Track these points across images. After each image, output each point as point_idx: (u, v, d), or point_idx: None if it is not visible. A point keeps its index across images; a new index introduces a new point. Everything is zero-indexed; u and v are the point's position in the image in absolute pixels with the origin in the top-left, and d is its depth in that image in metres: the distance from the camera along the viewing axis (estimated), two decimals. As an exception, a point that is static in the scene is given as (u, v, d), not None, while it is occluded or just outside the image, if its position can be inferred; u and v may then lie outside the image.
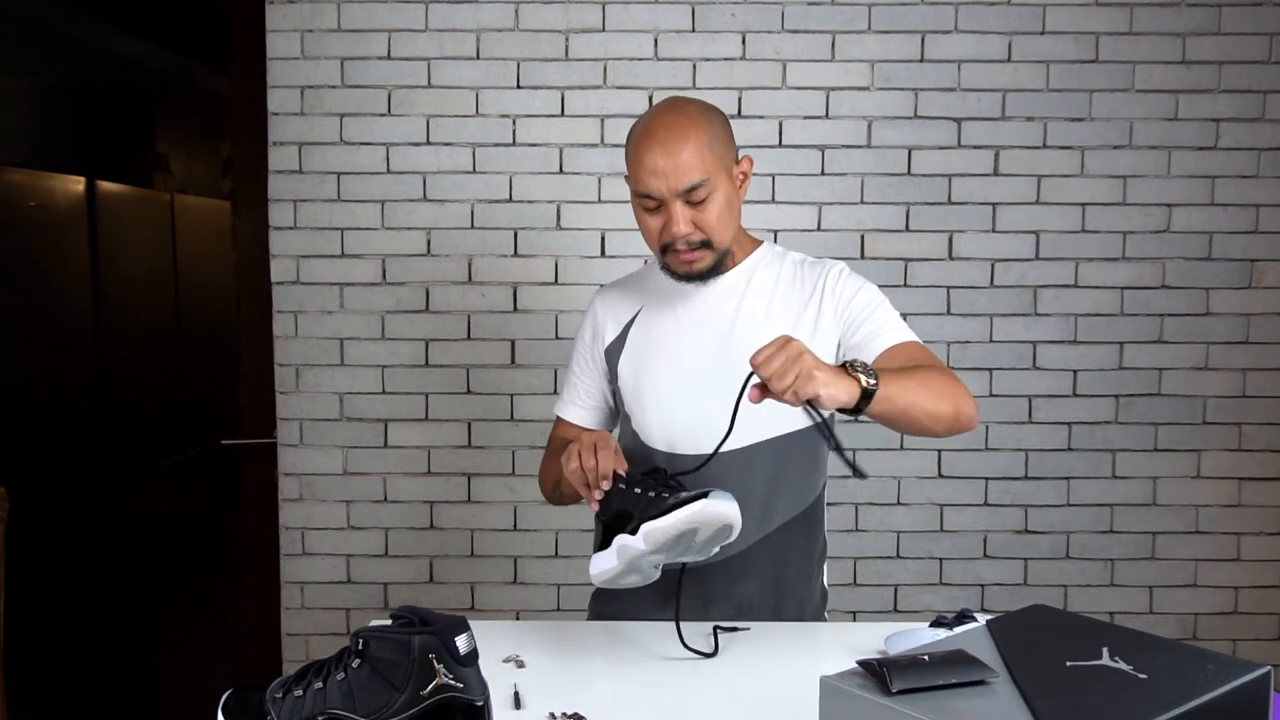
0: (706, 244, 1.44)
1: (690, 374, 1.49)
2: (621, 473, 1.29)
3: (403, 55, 2.36)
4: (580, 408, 1.63)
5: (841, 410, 1.23)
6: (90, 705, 3.15)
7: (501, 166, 2.38)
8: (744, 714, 1.16)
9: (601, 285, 1.67)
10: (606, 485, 1.27)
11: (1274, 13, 2.36)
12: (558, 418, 1.67)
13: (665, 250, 1.45)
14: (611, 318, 1.59)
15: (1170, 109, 2.38)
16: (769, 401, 1.45)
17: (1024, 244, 2.40)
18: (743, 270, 1.53)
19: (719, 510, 1.21)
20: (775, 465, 1.48)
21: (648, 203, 1.43)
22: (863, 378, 1.22)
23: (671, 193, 1.40)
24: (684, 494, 1.24)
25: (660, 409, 1.50)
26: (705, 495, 1.22)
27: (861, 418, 1.27)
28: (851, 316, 1.48)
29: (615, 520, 1.26)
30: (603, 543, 1.28)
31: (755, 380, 1.21)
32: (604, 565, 1.26)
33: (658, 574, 1.31)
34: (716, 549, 1.28)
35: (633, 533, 1.22)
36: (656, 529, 1.21)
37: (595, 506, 1.29)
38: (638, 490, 1.27)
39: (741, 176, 1.48)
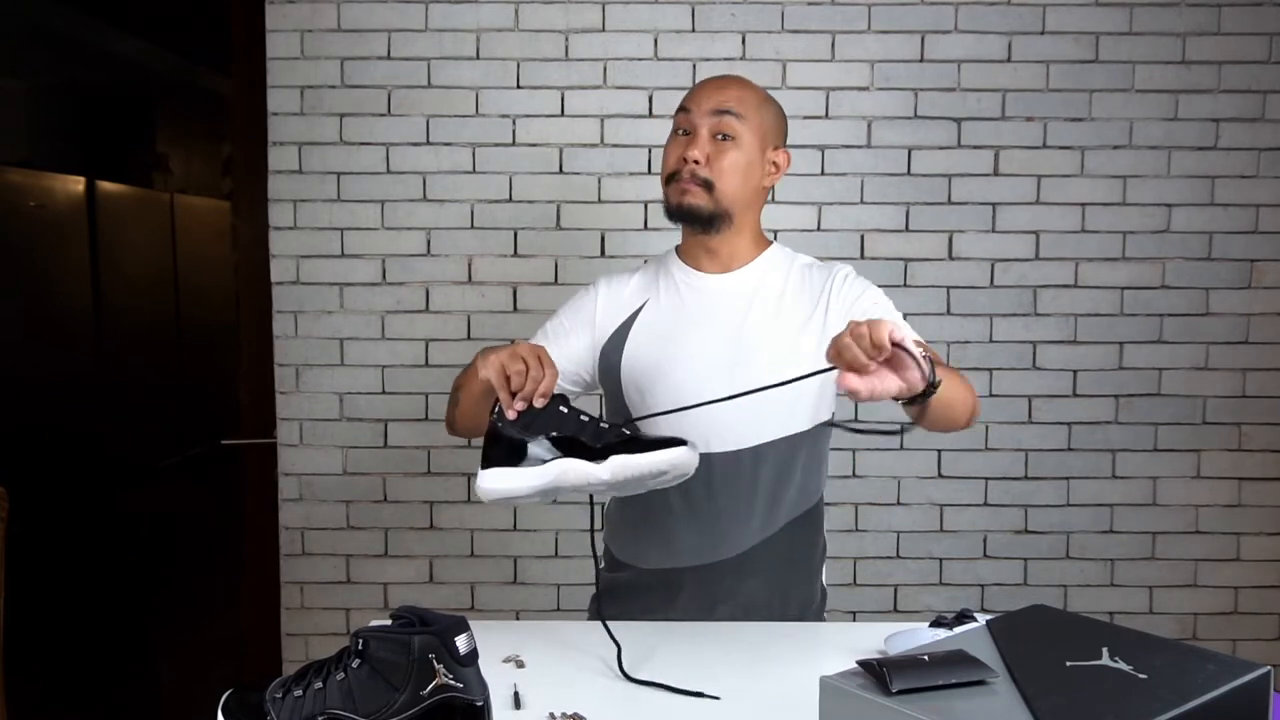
0: (708, 184, 1.46)
1: (699, 372, 1.48)
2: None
3: (403, 55, 2.36)
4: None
5: (905, 401, 1.17)
6: (90, 705, 3.15)
7: (501, 166, 2.38)
8: (744, 714, 1.16)
9: (604, 275, 1.65)
10: (542, 403, 1.23)
11: (1274, 13, 2.36)
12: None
13: (671, 180, 1.49)
14: (616, 307, 1.57)
15: (1170, 109, 2.38)
16: (780, 402, 1.45)
17: (1024, 244, 2.40)
18: (753, 270, 1.53)
19: (693, 460, 1.25)
20: (783, 465, 1.48)
21: (682, 122, 1.50)
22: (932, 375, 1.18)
23: (705, 110, 1.47)
24: (655, 436, 1.25)
25: (669, 405, 1.48)
26: (685, 443, 1.24)
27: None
28: (856, 316, 1.48)
29: (549, 443, 1.23)
30: (509, 458, 1.23)
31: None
32: (526, 482, 1.22)
33: (552, 500, 1.30)
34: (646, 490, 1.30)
35: (594, 460, 1.22)
36: (630, 463, 1.21)
37: (513, 415, 1.23)
38: (584, 418, 1.25)
39: (773, 166, 1.52)
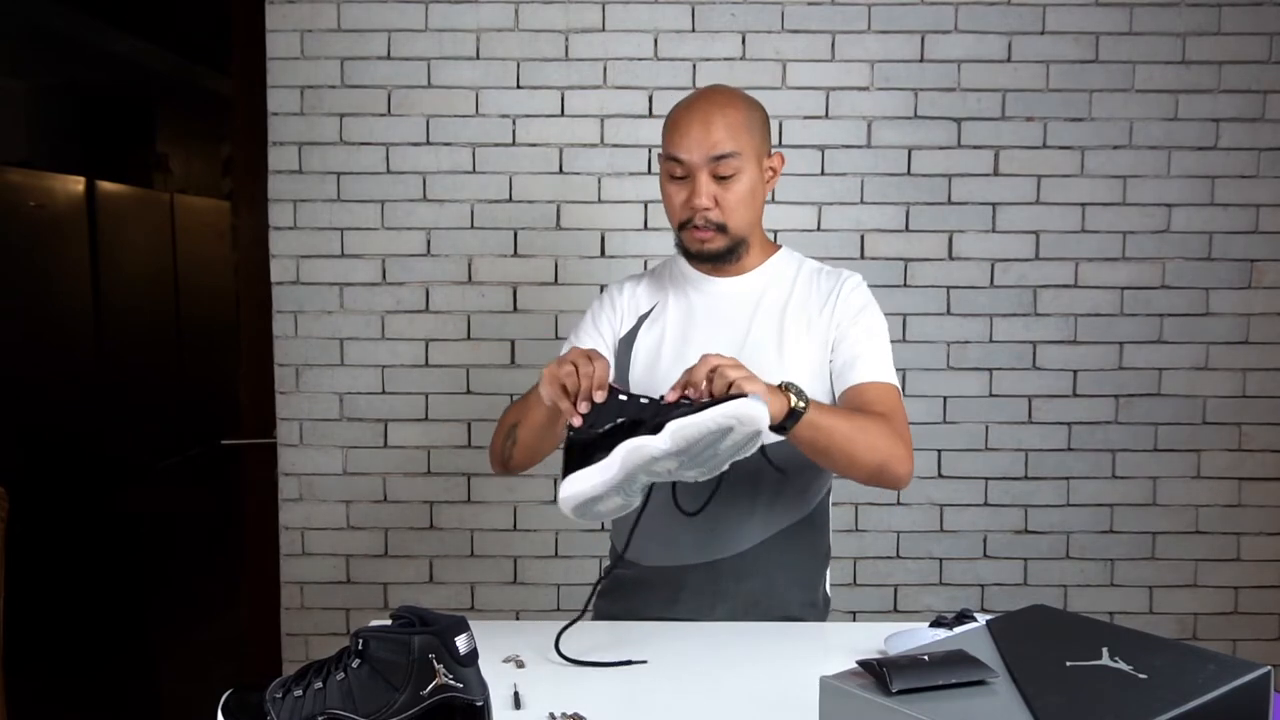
0: (722, 228, 1.46)
1: None
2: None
3: (403, 55, 2.36)
4: None
5: (773, 429, 1.26)
6: (90, 705, 3.15)
7: (501, 166, 2.38)
8: (744, 714, 1.16)
9: (614, 280, 1.66)
10: (601, 396, 1.21)
11: (1274, 13, 2.36)
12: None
13: (683, 226, 1.48)
14: (627, 311, 1.59)
15: (1170, 109, 2.38)
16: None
17: (1024, 244, 2.40)
18: (760, 274, 1.53)
19: (759, 411, 1.15)
20: (785, 468, 1.48)
21: (675, 169, 1.45)
22: (793, 398, 1.26)
23: (701, 159, 1.42)
24: (712, 399, 1.20)
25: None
26: (743, 395, 1.17)
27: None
28: (844, 333, 1.49)
29: (610, 435, 1.19)
30: (582, 462, 1.20)
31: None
32: (597, 479, 1.18)
33: (638, 500, 1.25)
34: (727, 465, 1.22)
35: (653, 432, 1.16)
36: (688, 424, 1.15)
37: (578, 421, 1.21)
38: (644, 400, 1.20)
39: (770, 171, 1.50)
